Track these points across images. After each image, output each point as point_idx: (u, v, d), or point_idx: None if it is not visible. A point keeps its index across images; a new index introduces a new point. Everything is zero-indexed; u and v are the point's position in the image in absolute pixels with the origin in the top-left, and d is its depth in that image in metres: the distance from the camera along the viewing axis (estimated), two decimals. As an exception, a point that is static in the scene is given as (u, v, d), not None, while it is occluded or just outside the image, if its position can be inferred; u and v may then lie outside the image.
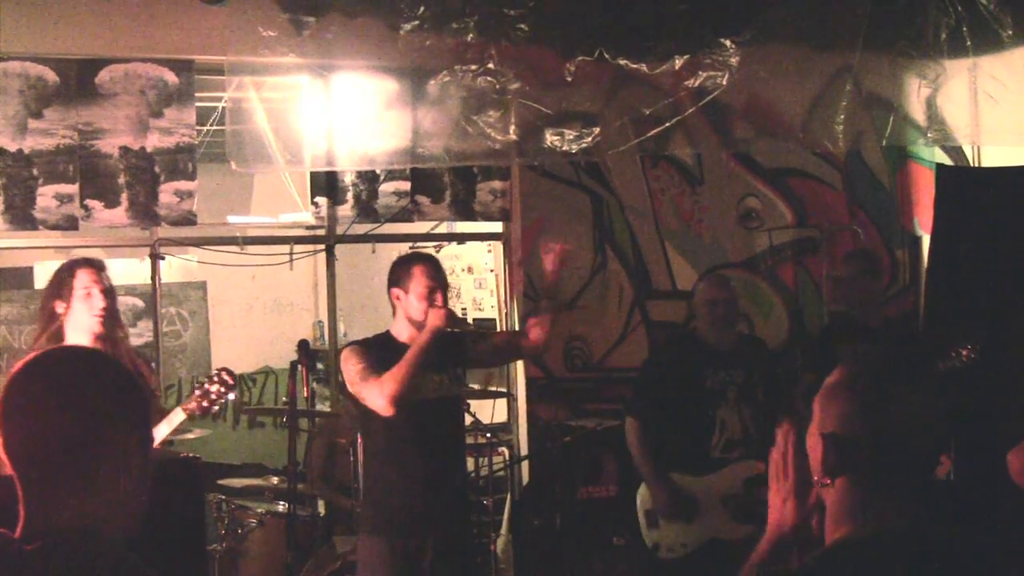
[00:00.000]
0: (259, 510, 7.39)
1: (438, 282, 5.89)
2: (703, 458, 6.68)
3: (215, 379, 5.82)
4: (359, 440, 7.05)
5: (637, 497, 6.91)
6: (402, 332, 5.94)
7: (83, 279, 5.79)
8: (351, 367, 5.72)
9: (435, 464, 5.90)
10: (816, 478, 2.63)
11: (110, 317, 5.88)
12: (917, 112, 8.58)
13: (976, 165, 9.40)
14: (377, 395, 5.59)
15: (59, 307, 5.76)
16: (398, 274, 5.97)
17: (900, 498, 2.55)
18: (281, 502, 7.29)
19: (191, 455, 5.98)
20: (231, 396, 5.85)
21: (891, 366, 2.65)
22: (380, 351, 5.80)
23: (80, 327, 5.79)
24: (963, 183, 8.79)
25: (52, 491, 2.25)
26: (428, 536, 5.81)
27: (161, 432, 5.66)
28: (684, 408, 6.75)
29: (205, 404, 5.77)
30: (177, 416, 5.75)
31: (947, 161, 9.40)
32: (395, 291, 5.96)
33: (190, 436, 6.58)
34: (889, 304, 9.35)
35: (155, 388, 6.03)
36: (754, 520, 6.39)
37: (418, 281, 5.86)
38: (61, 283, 5.79)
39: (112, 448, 2.28)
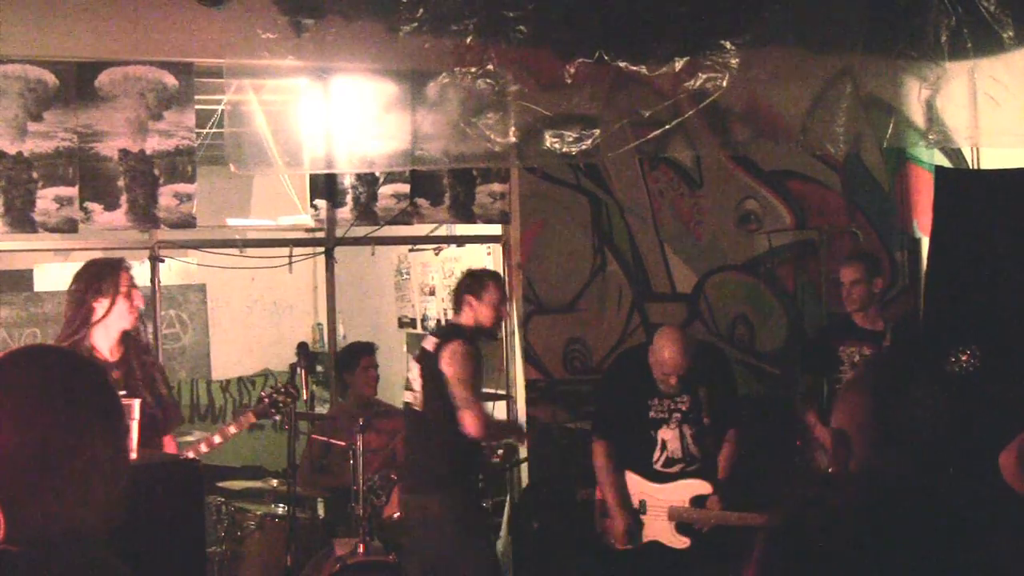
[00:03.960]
0: (258, 512, 7.40)
1: (506, 297, 7.22)
2: (649, 469, 6.97)
3: (282, 390, 6.81)
4: (357, 442, 7.08)
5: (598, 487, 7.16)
6: (468, 322, 6.93)
7: (125, 279, 6.08)
8: (468, 372, 6.70)
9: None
10: (831, 470, 2.74)
11: (140, 316, 6.24)
12: (917, 114, 8.59)
13: (975, 167, 9.39)
14: (474, 425, 6.63)
15: (100, 304, 5.96)
16: (474, 284, 7.00)
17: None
18: (280, 504, 7.29)
19: (190, 457, 6.02)
20: (292, 406, 6.82)
21: (899, 367, 2.73)
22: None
23: (112, 324, 6.02)
24: (962, 185, 8.77)
25: (31, 498, 2.20)
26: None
27: (229, 432, 6.63)
28: (630, 428, 7.04)
29: (272, 410, 6.82)
30: (247, 418, 6.75)
31: (946, 163, 9.39)
32: (468, 297, 6.95)
33: (189, 438, 6.60)
34: (889, 306, 9.36)
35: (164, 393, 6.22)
36: (692, 535, 6.80)
37: (492, 294, 6.96)
38: (102, 281, 5.96)
39: (85, 448, 2.23)
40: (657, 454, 6.90)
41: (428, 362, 6.77)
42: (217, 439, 6.53)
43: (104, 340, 5.94)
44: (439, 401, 6.69)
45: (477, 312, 6.85)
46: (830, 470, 2.79)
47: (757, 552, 2.76)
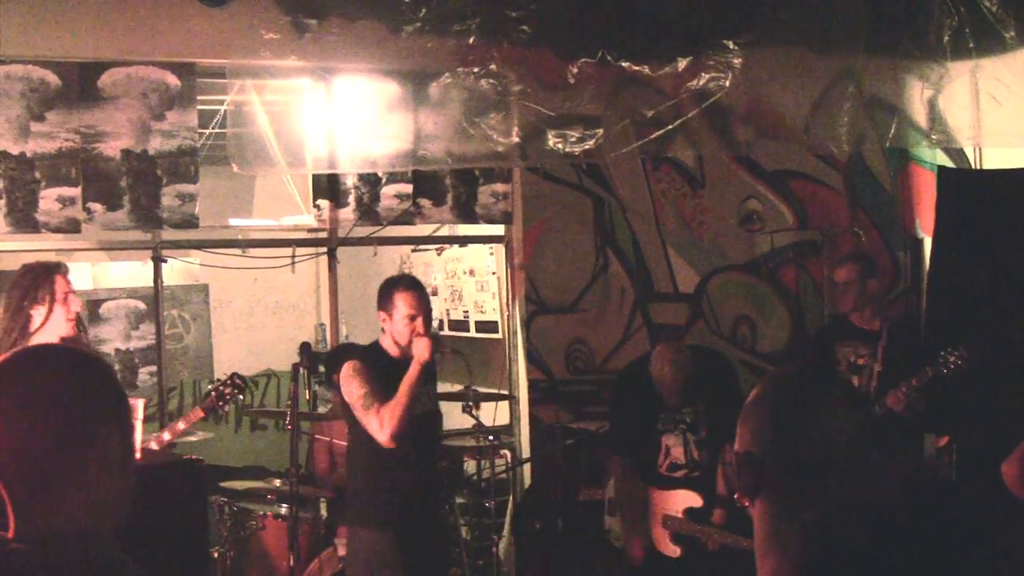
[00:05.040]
0: (261, 512, 7.39)
1: (419, 309, 6.20)
2: (653, 474, 6.95)
3: (228, 382, 6.61)
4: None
5: (609, 482, 7.20)
6: (391, 347, 6.29)
7: (61, 284, 5.91)
8: (355, 389, 6.07)
9: (417, 470, 6.29)
10: (736, 497, 2.60)
11: (78, 321, 6.08)
12: (919, 114, 8.59)
13: (978, 167, 9.40)
14: (378, 430, 6.02)
15: (37, 311, 5.82)
16: (382, 298, 6.29)
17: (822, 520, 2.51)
18: (283, 504, 7.29)
19: (194, 457, 6.01)
20: (240, 397, 6.67)
21: (803, 384, 2.62)
22: (378, 368, 6.14)
23: (51, 331, 5.87)
24: (964, 185, 8.79)
25: (38, 496, 2.21)
26: (411, 527, 6.19)
27: (178, 428, 6.43)
28: (637, 433, 7.02)
29: (220, 403, 6.61)
30: (195, 414, 6.47)
31: (948, 163, 9.39)
32: (380, 314, 6.28)
33: (192, 438, 6.60)
34: (891, 306, 9.36)
35: None
36: (686, 544, 6.78)
37: (399, 309, 6.18)
38: (39, 288, 5.84)
39: (94, 446, 2.24)
40: (662, 459, 6.90)
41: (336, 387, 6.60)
42: (167, 436, 6.48)
43: None
44: (353, 429, 6.31)
45: (391, 330, 6.24)
46: (736, 497, 2.64)
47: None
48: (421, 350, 6.04)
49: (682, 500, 6.82)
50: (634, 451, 6.99)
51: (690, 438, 6.86)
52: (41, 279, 5.89)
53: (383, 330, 6.30)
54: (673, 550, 6.81)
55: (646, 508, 6.94)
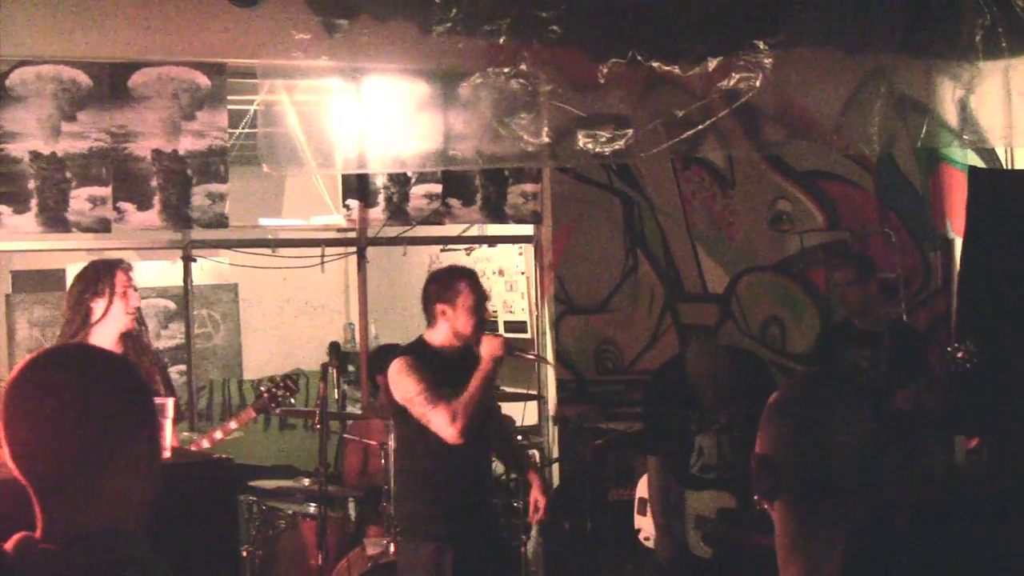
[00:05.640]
0: (290, 512, 7.42)
1: (483, 299, 6.12)
2: (685, 474, 6.85)
3: (280, 384, 6.69)
4: (390, 442, 7.09)
5: (640, 481, 7.11)
6: (445, 340, 6.11)
7: (122, 279, 6.01)
8: (410, 385, 5.90)
9: (476, 471, 6.18)
10: (755, 499, 2.61)
11: (138, 315, 6.17)
12: (951, 115, 8.56)
13: (1009, 167, 9.35)
14: (447, 425, 5.81)
15: (98, 305, 5.94)
16: (443, 289, 6.10)
17: (840, 523, 2.52)
18: (312, 504, 7.30)
19: (224, 456, 6.02)
20: (292, 400, 6.78)
21: (823, 389, 2.63)
22: (430, 364, 5.97)
23: (110, 324, 5.98)
24: (996, 185, 8.75)
25: (66, 496, 2.21)
26: (469, 539, 6.01)
27: (230, 427, 6.58)
28: (671, 433, 6.91)
29: (273, 404, 6.68)
30: (248, 414, 6.65)
31: (979, 163, 9.35)
32: (440, 306, 6.07)
33: (220, 437, 6.63)
34: (921, 307, 9.33)
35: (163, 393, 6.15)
36: (717, 545, 6.70)
37: (465, 298, 6.02)
38: (100, 282, 5.97)
39: (122, 447, 2.25)
40: (694, 459, 6.85)
41: (385, 389, 6.41)
42: (219, 435, 6.55)
43: (103, 341, 5.89)
44: (406, 436, 6.20)
45: (454, 322, 6.07)
46: (755, 499, 2.65)
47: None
48: (495, 347, 5.93)
49: (713, 501, 6.78)
50: (667, 450, 6.96)
51: (724, 439, 6.81)
52: (103, 273, 6.02)
53: (431, 324, 6.17)
54: (705, 551, 6.77)
55: (679, 508, 6.91)
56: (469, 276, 6.18)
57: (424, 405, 5.86)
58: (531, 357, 7.46)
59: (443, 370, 5.95)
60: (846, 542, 2.46)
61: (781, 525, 2.59)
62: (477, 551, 6.04)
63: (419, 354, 6.06)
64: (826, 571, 2.48)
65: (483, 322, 6.05)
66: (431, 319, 6.16)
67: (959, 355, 6.80)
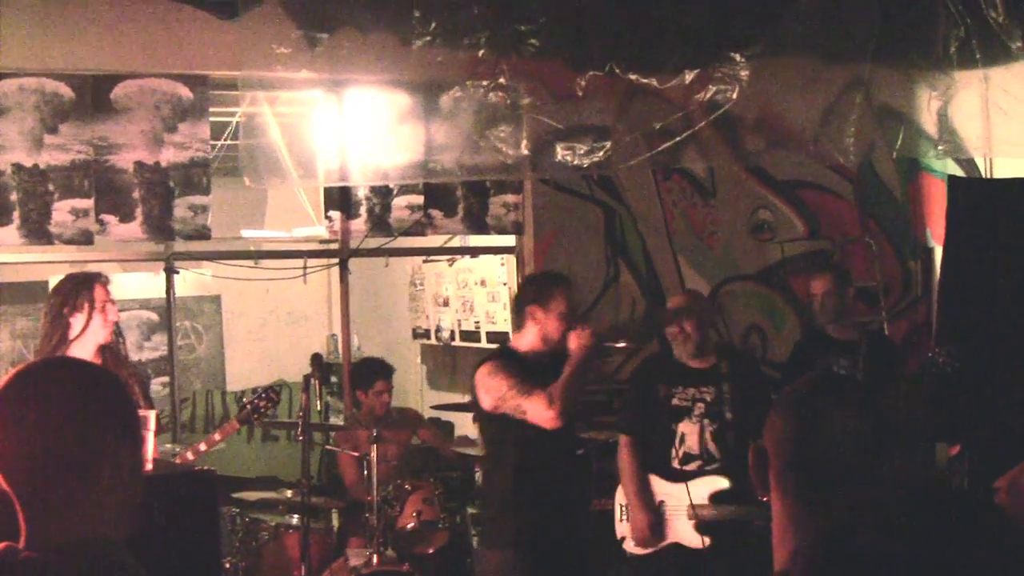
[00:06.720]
0: (273, 523, 7.42)
1: (575, 305, 6.13)
2: (667, 468, 6.78)
3: (263, 395, 6.78)
4: (371, 453, 7.12)
5: (618, 489, 7.01)
6: (532, 345, 6.06)
7: (100, 293, 6.04)
8: (501, 382, 5.84)
9: (572, 477, 6.20)
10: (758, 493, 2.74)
11: (116, 329, 6.19)
12: (928, 124, 8.59)
13: (988, 176, 9.39)
14: (545, 408, 5.72)
15: (76, 320, 5.95)
16: (539, 294, 6.07)
17: (830, 513, 2.62)
18: (295, 515, 7.32)
19: (206, 468, 6.04)
20: (274, 411, 6.94)
21: (820, 388, 2.74)
22: (517, 366, 5.93)
23: (89, 338, 6.01)
24: (975, 194, 8.79)
25: (49, 506, 2.25)
26: (563, 548, 5.99)
27: (215, 439, 6.64)
28: (651, 421, 6.86)
29: (256, 416, 6.78)
30: (231, 426, 6.79)
31: (959, 172, 9.39)
32: (533, 309, 6.03)
33: (204, 448, 6.64)
34: (902, 315, 9.38)
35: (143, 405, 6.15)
36: (712, 532, 6.61)
37: (558, 304, 5.99)
38: (78, 296, 5.98)
39: (105, 458, 2.28)
40: (675, 449, 6.77)
41: (473, 400, 6.19)
42: (203, 447, 6.55)
43: (82, 354, 5.88)
44: (494, 442, 6.16)
45: (544, 325, 6.02)
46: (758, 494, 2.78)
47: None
48: (584, 337, 5.89)
49: (704, 486, 6.72)
50: (640, 428, 6.87)
51: (707, 426, 6.78)
52: (81, 287, 6.05)
53: (518, 328, 6.17)
54: (700, 540, 6.63)
55: (649, 486, 6.84)
56: (565, 283, 6.19)
57: (518, 397, 5.78)
58: (621, 346, 7.43)
59: (530, 375, 5.88)
60: (811, 547, 2.54)
61: (776, 516, 2.69)
62: (555, 559, 5.96)
63: (505, 357, 6.03)
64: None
65: (571, 330, 5.96)
66: (521, 321, 6.13)
67: (940, 360, 6.85)
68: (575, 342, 5.88)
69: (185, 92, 7.72)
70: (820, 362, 7.44)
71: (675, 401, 6.79)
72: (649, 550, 6.80)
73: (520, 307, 6.14)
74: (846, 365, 7.33)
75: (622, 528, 6.96)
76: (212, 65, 7.75)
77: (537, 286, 6.15)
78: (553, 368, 5.90)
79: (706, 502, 6.68)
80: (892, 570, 2.53)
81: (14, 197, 7.37)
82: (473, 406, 6.14)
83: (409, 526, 7.41)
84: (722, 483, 6.65)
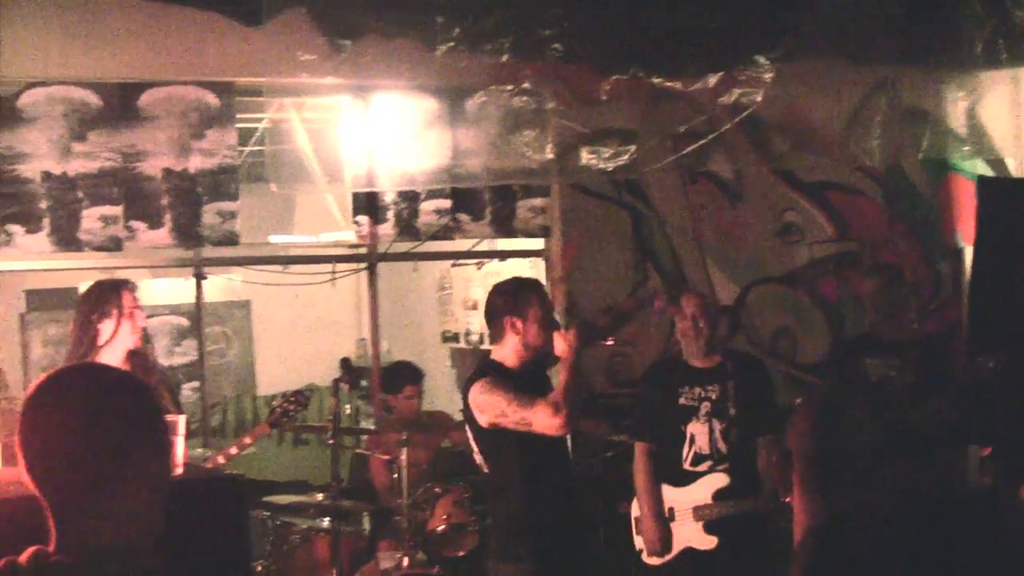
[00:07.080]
0: (304, 526, 7.44)
1: (551, 307, 6.02)
2: (678, 471, 6.80)
3: (292, 399, 6.94)
4: (401, 456, 7.12)
5: (633, 501, 7.04)
6: (510, 358, 5.89)
7: (128, 299, 6.11)
8: (499, 398, 5.67)
9: (574, 483, 6.18)
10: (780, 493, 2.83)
11: (144, 335, 6.27)
12: (956, 124, 8.57)
13: (1018, 176, 9.35)
14: (551, 416, 5.55)
15: (105, 327, 5.99)
16: (517, 301, 5.88)
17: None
18: (325, 518, 7.33)
19: (235, 473, 6.05)
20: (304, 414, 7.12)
21: (837, 392, 2.82)
22: (510, 379, 5.78)
23: (118, 344, 6.07)
24: (1005, 194, 8.75)
25: (79, 510, 2.27)
26: (576, 557, 5.96)
27: (245, 442, 6.77)
28: (661, 424, 6.89)
29: (285, 419, 6.95)
30: (262, 429, 6.95)
31: (988, 172, 9.35)
32: (511, 319, 5.84)
33: (235, 452, 6.67)
34: (931, 317, 9.33)
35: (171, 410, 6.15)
36: (720, 531, 6.66)
37: (536, 310, 5.83)
38: (106, 303, 6.03)
39: (134, 463, 2.31)
40: (686, 451, 6.77)
41: (469, 420, 6.03)
42: (233, 451, 6.62)
43: (111, 360, 5.91)
44: (500, 457, 5.96)
45: (525, 334, 5.82)
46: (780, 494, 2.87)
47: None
48: (571, 338, 5.73)
49: (706, 487, 6.73)
50: (654, 435, 6.91)
51: (716, 425, 6.77)
52: (109, 294, 6.12)
53: (496, 340, 5.93)
54: (710, 540, 6.70)
55: (661, 498, 6.84)
56: (537, 287, 6.05)
57: (520, 410, 5.61)
58: (609, 343, 7.38)
59: (522, 386, 5.73)
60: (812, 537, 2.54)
61: (797, 513, 2.77)
62: (570, 569, 5.90)
63: (496, 372, 5.84)
64: None
65: (554, 332, 5.82)
66: (499, 334, 5.92)
67: (991, 366, 6.77)
68: (562, 344, 5.76)
69: (212, 99, 7.74)
70: (865, 363, 7.39)
71: (682, 400, 6.83)
72: (664, 559, 6.84)
73: (495, 319, 5.92)
74: (897, 366, 7.24)
75: (639, 541, 6.98)
76: (238, 72, 7.77)
77: (510, 296, 5.91)
78: (538, 382, 5.86)
79: (710, 501, 6.70)
80: (892, 570, 2.53)
81: (44, 205, 7.41)
82: (470, 426, 5.97)
83: (439, 529, 7.41)
84: (723, 480, 6.70)
